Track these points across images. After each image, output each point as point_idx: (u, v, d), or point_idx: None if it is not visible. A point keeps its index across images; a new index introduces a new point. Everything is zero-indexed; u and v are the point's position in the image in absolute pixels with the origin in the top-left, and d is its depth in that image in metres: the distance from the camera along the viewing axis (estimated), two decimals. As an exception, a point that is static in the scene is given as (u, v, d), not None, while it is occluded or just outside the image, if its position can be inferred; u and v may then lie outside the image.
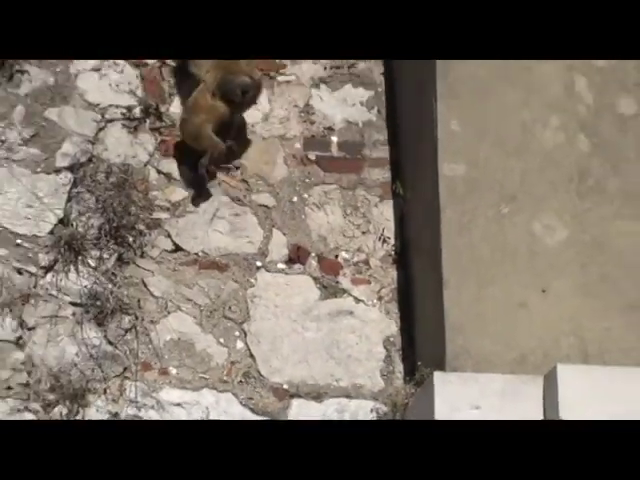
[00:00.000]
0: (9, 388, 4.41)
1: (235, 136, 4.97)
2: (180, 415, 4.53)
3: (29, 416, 4.44)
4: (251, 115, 4.92)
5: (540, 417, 4.26)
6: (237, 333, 4.59)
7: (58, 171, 4.68)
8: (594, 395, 4.12)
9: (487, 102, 4.54)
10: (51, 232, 4.59)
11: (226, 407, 4.52)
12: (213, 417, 4.57)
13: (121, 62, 5.07)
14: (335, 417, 4.63)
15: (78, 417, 4.47)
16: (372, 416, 4.63)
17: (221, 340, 4.57)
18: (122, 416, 4.52)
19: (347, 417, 4.64)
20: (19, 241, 4.57)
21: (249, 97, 4.85)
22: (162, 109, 4.97)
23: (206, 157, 4.83)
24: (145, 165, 4.76)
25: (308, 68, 5.09)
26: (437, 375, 4.22)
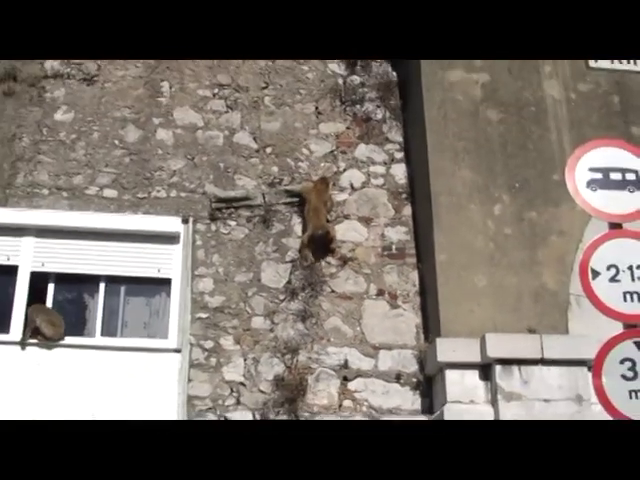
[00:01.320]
0: (267, 348, 7.55)
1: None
2: (334, 359, 7.32)
3: (275, 360, 7.33)
4: (357, 237, 7.89)
5: (478, 355, 6.87)
6: (357, 324, 7.68)
7: (286, 262, 7.92)
8: (503, 346, 6.96)
9: (457, 235, 7.57)
10: (284, 286, 7.79)
11: (354, 354, 7.49)
12: (349, 359, 7.32)
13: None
14: (396, 356, 7.40)
15: (295, 359, 7.24)
16: (412, 356, 7.41)
17: (351, 327, 7.68)
18: (312, 357, 7.35)
19: (402, 356, 7.40)
20: (270, 290, 7.78)
21: (322, 241, 7.53)
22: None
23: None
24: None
25: (382, 220, 7.99)
26: (438, 340, 7.14)
